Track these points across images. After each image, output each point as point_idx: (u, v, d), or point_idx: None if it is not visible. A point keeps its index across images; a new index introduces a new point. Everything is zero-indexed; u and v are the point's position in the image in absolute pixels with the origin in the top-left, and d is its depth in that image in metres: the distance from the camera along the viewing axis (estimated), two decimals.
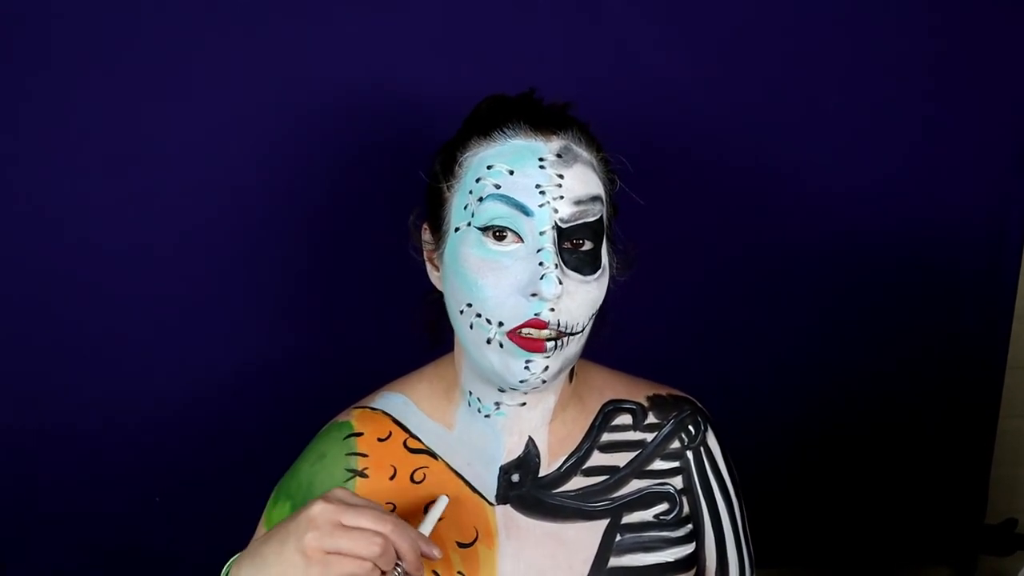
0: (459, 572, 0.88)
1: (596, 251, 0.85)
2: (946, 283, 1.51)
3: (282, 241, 1.30)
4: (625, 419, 0.97)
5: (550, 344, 0.82)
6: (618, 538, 0.91)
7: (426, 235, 0.91)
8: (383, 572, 0.75)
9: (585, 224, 0.83)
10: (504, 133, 0.84)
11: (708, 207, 1.40)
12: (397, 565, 0.76)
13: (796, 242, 1.44)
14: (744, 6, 1.33)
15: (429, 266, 0.92)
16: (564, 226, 0.82)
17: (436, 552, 0.79)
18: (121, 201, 1.24)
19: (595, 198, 0.84)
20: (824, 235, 1.45)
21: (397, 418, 0.96)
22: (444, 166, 0.88)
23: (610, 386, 0.99)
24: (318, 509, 0.74)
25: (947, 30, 1.39)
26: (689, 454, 0.97)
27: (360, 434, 0.95)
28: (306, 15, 1.22)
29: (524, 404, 0.91)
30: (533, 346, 0.81)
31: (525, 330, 0.81)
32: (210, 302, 1.30)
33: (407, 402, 0.97)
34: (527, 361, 0.82)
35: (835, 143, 1.41)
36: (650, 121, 1.33)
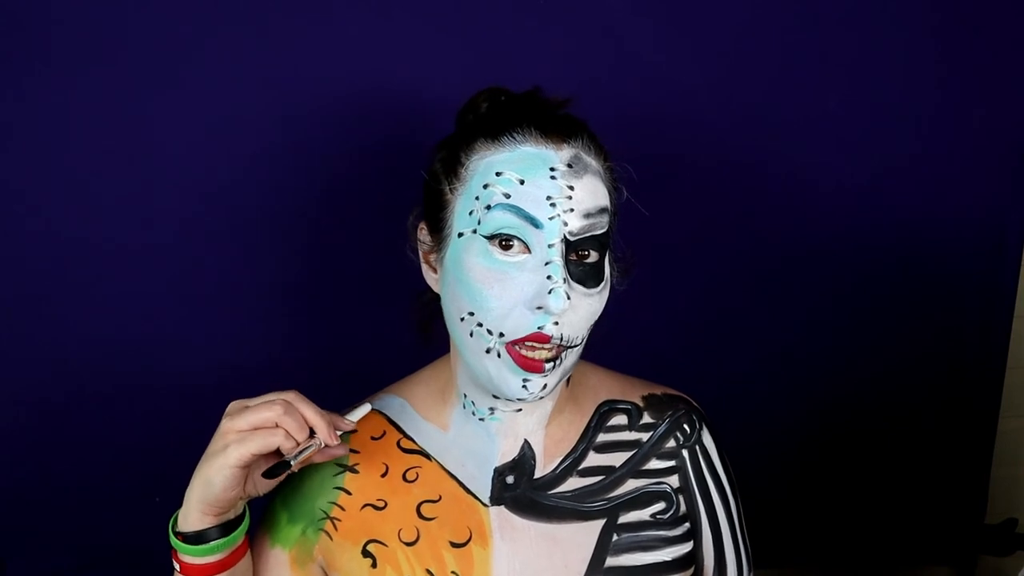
0: (452, 572, 0.88)
1: (600, 263, 0.84)
2: (946, 283, 1.51)
3: (281, 242, 1.30)
4: (620, 419, 0.97)
5: (548, 365, 0.81)
6: (615, 538, 0.91)
7: (423, 235, 0.90)
8: (299, 444, 0.81)
9: (592, 237, 0.82)
10: (513, 138, 0.82)
11: (707, 207, 1.40)
12: (312, 436, 0.82)
13: (796, 242, 1.44)
14: (744, 7, 1.33)
15: (425, 267, 0.91)
16: (573, 239, 0.81)
17: (345, 424, 0.86)
18: (118, 201, 1.24)
19: (603, 210, 0.83)
20: (824, 235, 1.45)
21: (392, 418, 0.96)
22: (446, 166, 0.86)
23: (605, 386, 0.99)
24: (230, 405, 0.84)
25: (948, 31, 1.39)
26: (685, 453, 0.97)
27: (353, 431, 0.94)
28: (305, 15, 1.22)
29: (520, 410, 0.91)
30: (531, 366, 0.81)
31: (527, 343, 0.81)
32: (209, 303, 1.30)
33: (404, 404, 0.97)
34: (524, 380, 0.82)
35: (836, 144, 1.41)
36: (649, 121, 1.33)
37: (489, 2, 1.26)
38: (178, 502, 1.35)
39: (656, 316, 1.40)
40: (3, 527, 1.34)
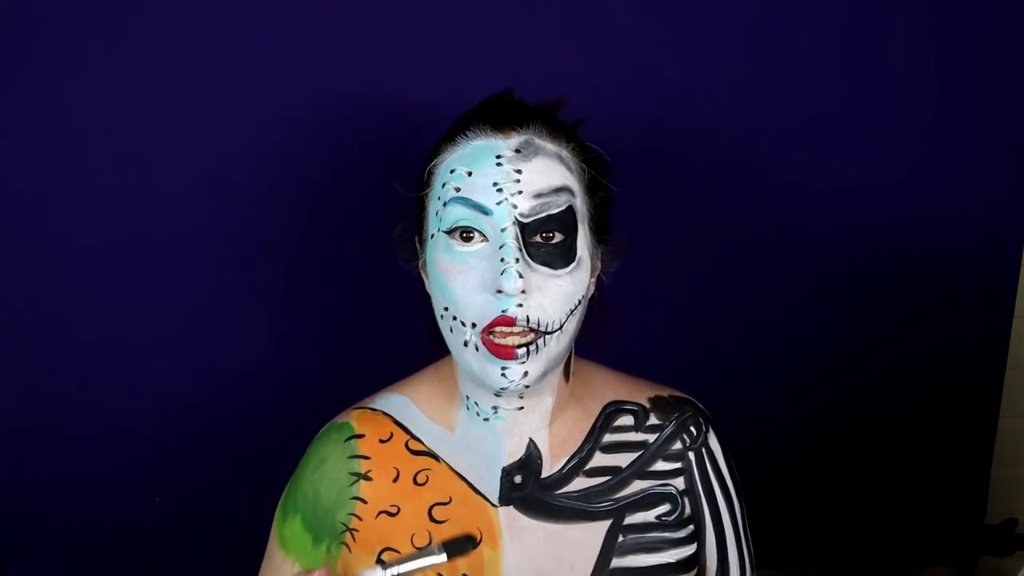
0: (464, 575, 0.88)
1: (568, 243, 0.84)
2: (946, 283, 1.51)
3: (281, 243, 1.30)
4: (627, 420, 0.97)
5: (521, 351, 0.81)
6: (620, 539, 0.91)
7: (418, 246, 0.92)
8: None
9: (550, 216, 0.83)
10: (466, 136, 0.85)
11: (710, 208, 1.40)
12: None
13: (796, 242, 1.44)
14: (746, 7, 1.32)
15: (424, 275, 0.93)
16: (526, 220, 0.82)
17: None
18: (116, 203, 1.24)
19: (560, 189, 0.84)
20: (825, 236, 1.45)
21: (398, 419, 0.96)
22: (422, 178, 0.89)
23: (611, 387, 0.99)
24: None
25: (948, 31, 1.39)
26: (691, 455, 0.97)
27: (361, 436, 0.95)
28: (301, 17, 1.22)
29: (521, 408, 0.91)
30: (504, 353, 0.81)
31: (497, 329, 0.81)
32: (210, 304, 1.30)
33: (408, 403, 0.97)
34: (503, 368, 0.82)
35: (837, 145, 1.41)
36: (650, 121, 1.33)
37: (490, 3, 1.26)
38: (178, 502, 1.36)
39: (656, 316, 1.40)
40: (4, 528, 1.34)
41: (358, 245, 1.30)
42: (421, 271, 0.93)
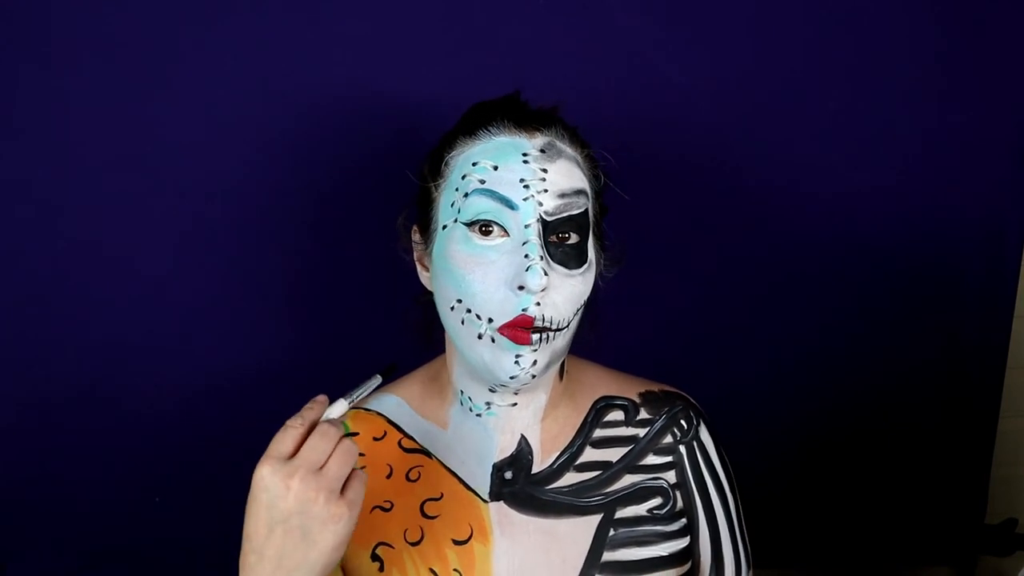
0: (455, 570, 0.89)
1: (582, 245, 0.85)
2: (946, 283, 1.51)
3: (280, 244, 1.30)
4: (617, 415, 0.97)
5: (535, 336, 0.82)
6: (611, 533, 0.91)
7: (416, 236, 0.92)
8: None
9: (570, 217, 0.84)
10: (489, 131, 0.86)
11: (709, 208, 1.40)
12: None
13: (797, 243, 1.44)
14: (746, 8, 1.33)
15: (419, 267, 0.93)
16: (549, 219, 0.83)
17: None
18: (117, 203, 1.24)
19: (580, 192, 0.85)
20: (825, 236, 1.45)
21: (391, 418, 0.97)
22: (432, 167, 0.89)
23: (602, 383, 1.00)
24: (296, 489, 0.73)
25: (948, 31, 1.39)
26: (682, 449, 0.97)
27: (355, 434, 0.96)
28: (306, 16, 1.23)
29: (515, 404, 0.92)
30: (520, 338, 0.82)
31: (513, 327, 0.82)
32: (209, 303, 1.30)
33: (401, 403, 0.98)
34: (516, 356, 0.82)
35: (836, 144, 1.41)
36: (653, 122, 1.33)
37: (490, 4, 1.27)
38: (177, 502, 1.36)
39: (657, 316, 1.40)
40: (3, 528, 1.35)
41: (359, 245, 1.30)
42: (419, 263, 0.93)
